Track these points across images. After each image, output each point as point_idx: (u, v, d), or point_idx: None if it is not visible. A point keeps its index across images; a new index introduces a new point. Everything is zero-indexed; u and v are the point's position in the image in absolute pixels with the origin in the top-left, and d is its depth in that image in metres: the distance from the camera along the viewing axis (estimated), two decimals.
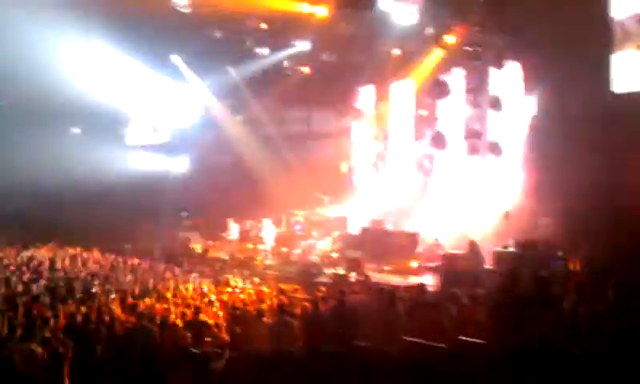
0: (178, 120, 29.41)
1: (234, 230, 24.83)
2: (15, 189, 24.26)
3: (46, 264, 18.35)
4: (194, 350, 9.77)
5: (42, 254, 21.27)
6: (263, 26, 22.50)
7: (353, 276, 17.65)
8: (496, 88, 20.38)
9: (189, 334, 10.61)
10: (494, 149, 20.05)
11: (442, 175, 22.70)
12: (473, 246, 16.79)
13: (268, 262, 20.83)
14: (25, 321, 10.82)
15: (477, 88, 20.89)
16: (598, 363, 7.32)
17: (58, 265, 18.55)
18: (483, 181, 20.71)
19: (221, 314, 12.41)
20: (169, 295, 13.97)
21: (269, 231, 23.34)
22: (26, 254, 20.82)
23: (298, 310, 11.72)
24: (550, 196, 16.95)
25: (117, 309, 12.20)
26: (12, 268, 17.51)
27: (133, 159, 27.51)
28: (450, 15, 19.92)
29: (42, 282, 15.13)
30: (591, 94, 15.94)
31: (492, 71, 20.28)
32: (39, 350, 9.12)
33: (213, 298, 13.71)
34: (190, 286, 15.20)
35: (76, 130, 25.74)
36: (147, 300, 13.48)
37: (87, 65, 23.04)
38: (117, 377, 9.23)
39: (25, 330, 10.13)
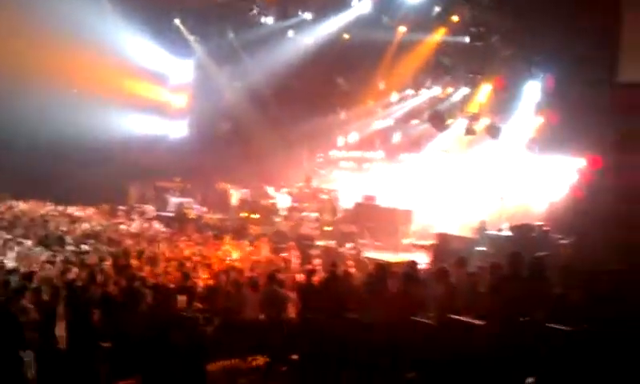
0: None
1: (233, 197, 24.90)
2: (13, 143, 24.26)
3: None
4: (185, 314, 9.85)
5: (34, 209, 21.38)
6: None
7: (345, 249, 17.73)
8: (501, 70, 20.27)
9: (181, 298, 10.69)
10: (492, 131, 19.99)
11: (439, 155, 22.73)
12: (482, 225, 16.83)
13: (262, 230, 20.85)
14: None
15: (479, 69, 20.75)
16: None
17: (52, 222, 18.63)
18: (482, 164, 20.72)
19: (211, 281, 12.49)
20: (162, 259, 14.04)
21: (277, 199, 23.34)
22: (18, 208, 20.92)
23: (289, 280, 11.79)
24: None
25: (110, 270, 12.25)
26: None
27: (131, 121, 27.35)
28: None
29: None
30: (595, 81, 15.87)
31: (500, 54, 20.13)
32: (32, 308, 9.24)
33: (206, 263, 13.77)
34: (185, 251, 15.26)
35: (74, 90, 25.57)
36: (140, 262, 13.53)
37: (88, 26, 22.80)
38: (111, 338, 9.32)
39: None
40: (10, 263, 13.03)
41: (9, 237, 15.40)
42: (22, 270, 12.24)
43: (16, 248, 14.36)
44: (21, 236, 15.84)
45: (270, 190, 24.29)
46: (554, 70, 18.24)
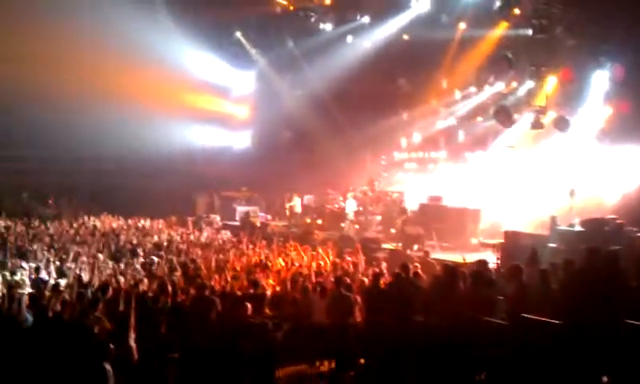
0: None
1: (295, 204, 25.08)
2: (83, 161, 25.20)
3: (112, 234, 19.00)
4: (254, 321, 9.90)
5: (108, 223, 22.05)
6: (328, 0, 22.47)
7: (412, 252, 17.54)
8: (566, 62, 19.70)
9: (249, 305, 10.75)
10: (560, 124, 19.42)
11: (505, 152, 22.24)
12: (553, 221, 16.39)
13: (327, 235, 20.86)
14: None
15: (544, 61, 20.22)
16: None
17: (123, 235, 19.13)
18: (550, 157, 20.15)
19: (278, 288, 12.53)
20: (229, 267, 14.18)
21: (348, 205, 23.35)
22: (91, 223, 21.62)
23: (356, 285, 11.71)
24: None
25: (180, 280, 12.45)
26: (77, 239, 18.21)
27: (196, 133, 27.92)
28: None
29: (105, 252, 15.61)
30: None
31: (564, 45, 19.59)
32: (105, 320, 9.47)
33: (273, 270, 13.83)
34: (252, 259, 15.37)
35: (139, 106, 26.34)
36: (209, 272, 13.71)
37: (151, 43, 23.40)
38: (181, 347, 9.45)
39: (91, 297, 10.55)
40: (85, 277, 13.42)
41: (83, 251, 15.87)
42: (96, 282, 12.60)
43: (90, 262, 14.78)
44: (95, 250, 16.30)
45: (335, 195, 24.31)
46: (622, 59, 17.62)
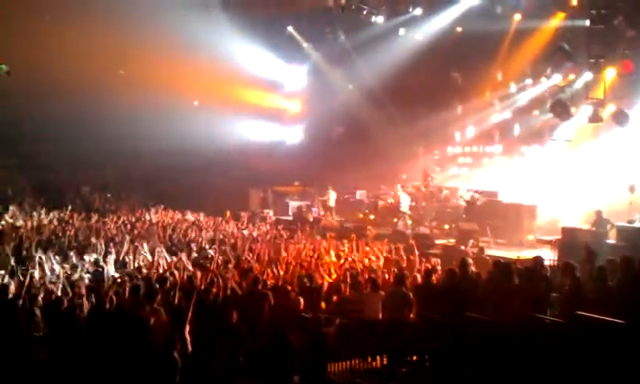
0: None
1: (327, 198, 25.24)
2: (140, 157, 25.79)
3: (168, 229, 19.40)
4: (306, 315, 9.96)
5: (164, 217, 22.51)
6: None
7: (466, 248, 17.35)
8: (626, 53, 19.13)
9: (302, 300, 10.83)
10: (619, 117, 18.87)
11: (562, 146, 21.75)
12: (598, 215, 16.03)
13: (380, 230, 20.81)
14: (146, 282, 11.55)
15: (602, 53, 19.67)
16: None
17: (178, 229, 19.51)
18: (608, 152, 19.62)
19: (331, 280, 12.58)
20: (282, 261, 14.30)
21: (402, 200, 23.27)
22: (148, 217, 22.12)
23: (409, 281, 11.65)
24: None
25: (233, 274, 12.61)
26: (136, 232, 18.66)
27: (249, 128, 28.20)
28: None
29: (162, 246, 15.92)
30: None
31: (624, 35, 19.01)
32: (162, 311, 9.70)
33: (326, 265, 13.89)
34: (304, 254, 15.46)
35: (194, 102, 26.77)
36: (262, 266, 13.85)
37: (204, 39, 23.73)
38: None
39: (148, 289, 10.80)
40: (142, 270, 13.74)
41: (140, 244, 16.23)
42: (153, 275, 12.89)
43: (147, 255, 15.11)
44: (152, 244, 16.65)
45: (387, 190, 24.22)
46: None
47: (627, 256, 10.15)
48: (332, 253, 15.27)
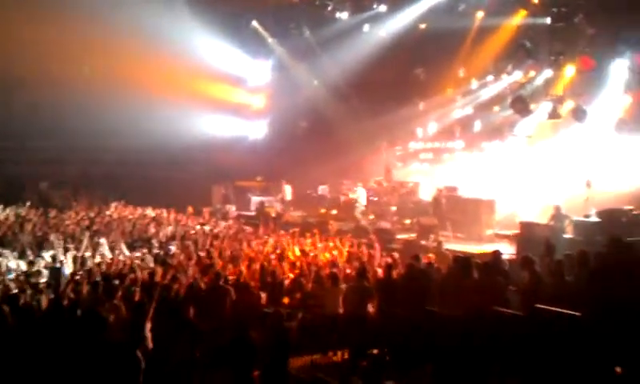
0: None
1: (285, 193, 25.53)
2: (100, 153, 25.41)
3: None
4: (268, 310, 9.95)
5: (124, 213, 22.22)
6: None
7: (426, 242, 17.51)
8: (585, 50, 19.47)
9: (263, 295, 10.82)
10: (577, 114, 19.23)
11: (522, 142, 22.08)
12: (557, 211, 16.32)
13: (342, 225, 20.88)
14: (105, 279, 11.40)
15: (563, 50, 20.01)
16: None
17: (139, 225, 19.29)
18: (567, 148, 19.97)
19: (293, 275, 12.57)
20: (244, 257, 14.25)
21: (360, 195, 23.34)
22: (107, 213, 21.84)
23: (370, 275, 11.72)
24: None
25: (194, 270, 12.53)
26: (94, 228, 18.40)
27: (211, 123, 27.99)
28: None
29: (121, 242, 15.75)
30: None
31: (584, 33, 19.35)
32: (122, 307, 9.58)
33: (287, 260, 13.88)
34: (266, 249, 15.44)
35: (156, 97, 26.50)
36: (224, 262, 13.78)
37: (167, 33, 23.48)
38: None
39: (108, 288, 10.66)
40: (101, 266, 13.57)
41: (99, 240, 16.03)
42: (113, 271, 12.75)
43: (107, 252, 14.94)
44: (112, 240, 16.45)
45: (350, 185, 24.30)
46: None
47: (583, 250, 10.34)
48: (296, 248, 15.27)
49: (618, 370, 7.17)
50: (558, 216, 16.21)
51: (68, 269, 13.25)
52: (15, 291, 10.71)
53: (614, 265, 9.33)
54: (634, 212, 14.87)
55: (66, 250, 14.83)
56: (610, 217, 14.65)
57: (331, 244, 15.94)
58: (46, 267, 13.30)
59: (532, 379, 8.24)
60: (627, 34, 18.14)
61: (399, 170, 25.59)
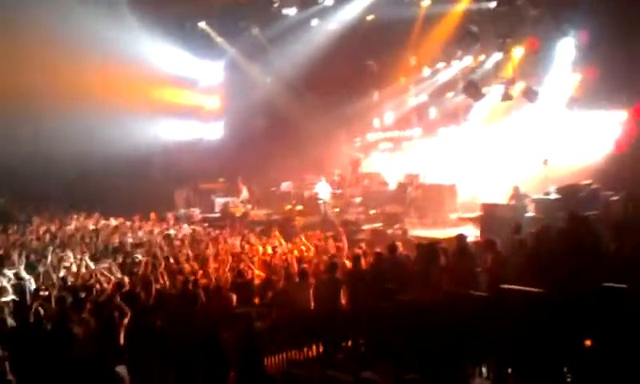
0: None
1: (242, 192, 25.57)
2: (57, 162, 24.91)
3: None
4: (239, 311, 9.96)
5: (86, 224, 21.88)
6: None
7: (392, 230, 17.69)
8: (531, 31, 19.84)
9: (234, 296, 10.81)
10: (529, 94, 19.62)
11: (478, 125, 22.43)
12: (516, 191, 16.66)
13: (308, 220, 20.95)
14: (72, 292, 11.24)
15: (509, 33, 20.34)
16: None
17: (102, 235, 19.02)
18: (521, 128, 20.37)
19: (263, 274, 12.59)
20: (212, 259, 14.20)
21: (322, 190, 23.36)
22: (69, 226, 21.47)
23: (339, 268, 11.80)
24: None
25: (162, 276, 12.44)
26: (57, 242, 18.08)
27: (166, 128, 27.72)
28: None
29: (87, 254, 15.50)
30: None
31: (528, 15, 19.70)
32: (92, 320, 9.48)
33: (255, 259, 13.87)
34: (234, 250, 15.39)
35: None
36: (191, 265, 13.72)
37: (113, 40, 23.15)
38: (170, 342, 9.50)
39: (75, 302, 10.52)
40: (68, 280, 13.35)
41: (63, 254, 15.76)
42: (79, 284, 12.57)
43: (70, 264, 14.69)
44: (75, 252, 16.19)
45: (313, 180, 24.36)
46: (586, 24, 17.80)
47: (546, 226, 10.61)
48: (267, 247, 15.25)
49: (588, 342, 7.37)
50: (517, 195, 16.56)
51: (32, 285, 13.01)
52: None
53: (572, 239, 9.59)
54: (592, 186, 15.25)
55: (30, 266, 14.55)
56: (570, 192, 15.02)
57: (299, 240, 15.97)
58: (9, 285, 13.03)
59: (503, 359, 8.44)
60: (569, 13, 18.52)
61: (359, 160, 25.73)
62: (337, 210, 22.39)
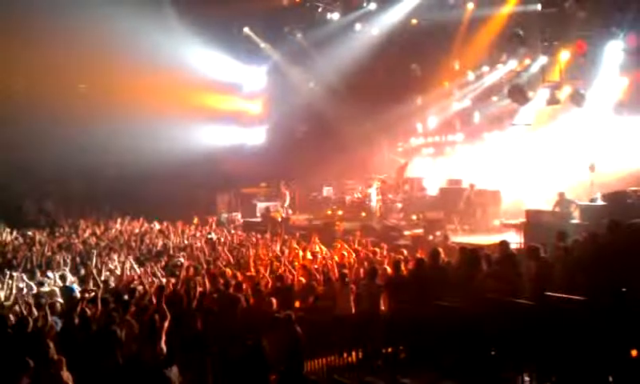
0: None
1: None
2: (104, 169, 25.46)
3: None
4: (279, 315, 9.97)
5: (130, 228, 22.26)
6: None
7: (433, 237, 17.51)
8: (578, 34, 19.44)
9: (274, 300, 10.83)
10: (576, 98, 19.22)
11: (523, 130, 22.06)
12: (561, 197, 16.34)
13: (349, 225, 20.89)
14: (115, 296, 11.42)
15: (555, 36, 19.98)
16: None
17: (147, 239, 19.32)
18: (568, 133, 19.97)
19: (304, 279, 12.58)
20: (253, 263, 14.27)
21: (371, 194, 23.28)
22: (114, 229, 21.87)
23: (380, 274, 11.72)
24: None
25: (204, 279, 12.54)
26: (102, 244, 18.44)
27: (210, 133, 28.01)
28: None
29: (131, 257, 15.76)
30: None
31: (575, 17, 19.31)
32: (134, 323, 9.60)
33: (296, 264, 13.89)
34: (275, 254, 15.45)
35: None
36: (233, 269, 13.80)
37: (160, 45, 23.54)
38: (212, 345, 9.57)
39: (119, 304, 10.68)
40: (111, 282, 13.57)
41: (107, 257, 16.04)
42: (122, 286, 12.77)
43: (115, 267, 14.94)
44: (119, 255, 16.47)
45: (354, 185, 24.32)
46: (635, 27, 17.37)
47: (590, 233, 10.36)
48: (307, 252, 15.26)
49: (634, 352, 7.17)
50: (562, 202, 16.23)
51: (77, 288, 13.26)
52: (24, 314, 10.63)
53: (615, 247, 9.34)
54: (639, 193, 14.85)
55: (75, 269, 14.85)
56: (616, 199, 14.64)
57: (338, 245, 15.93)
58: (56, 287, 13.31)
59: (547, 367, 8.26)
60: (618, 16, 18.10)
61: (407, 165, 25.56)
62: (378, 215, 22.30)
